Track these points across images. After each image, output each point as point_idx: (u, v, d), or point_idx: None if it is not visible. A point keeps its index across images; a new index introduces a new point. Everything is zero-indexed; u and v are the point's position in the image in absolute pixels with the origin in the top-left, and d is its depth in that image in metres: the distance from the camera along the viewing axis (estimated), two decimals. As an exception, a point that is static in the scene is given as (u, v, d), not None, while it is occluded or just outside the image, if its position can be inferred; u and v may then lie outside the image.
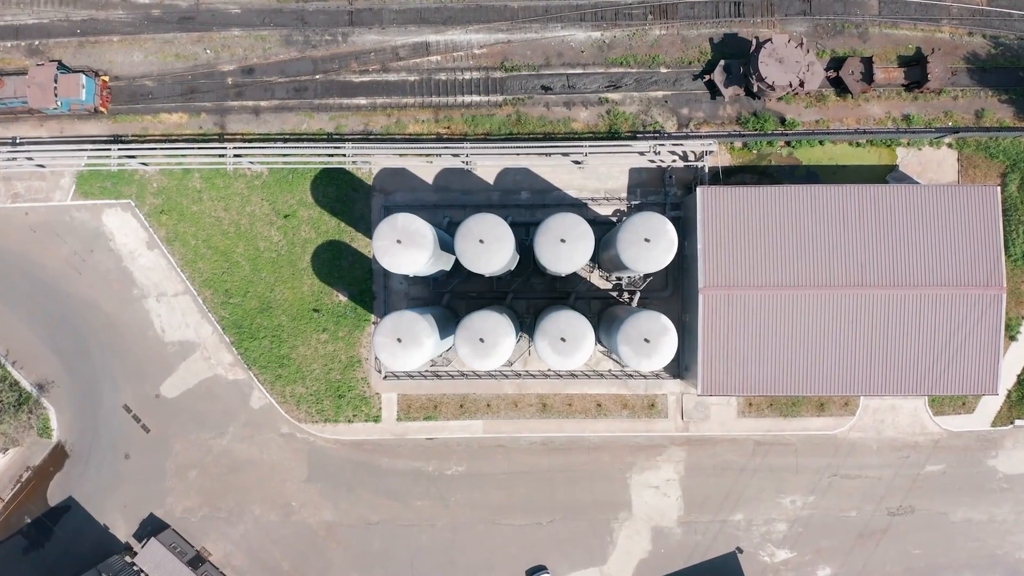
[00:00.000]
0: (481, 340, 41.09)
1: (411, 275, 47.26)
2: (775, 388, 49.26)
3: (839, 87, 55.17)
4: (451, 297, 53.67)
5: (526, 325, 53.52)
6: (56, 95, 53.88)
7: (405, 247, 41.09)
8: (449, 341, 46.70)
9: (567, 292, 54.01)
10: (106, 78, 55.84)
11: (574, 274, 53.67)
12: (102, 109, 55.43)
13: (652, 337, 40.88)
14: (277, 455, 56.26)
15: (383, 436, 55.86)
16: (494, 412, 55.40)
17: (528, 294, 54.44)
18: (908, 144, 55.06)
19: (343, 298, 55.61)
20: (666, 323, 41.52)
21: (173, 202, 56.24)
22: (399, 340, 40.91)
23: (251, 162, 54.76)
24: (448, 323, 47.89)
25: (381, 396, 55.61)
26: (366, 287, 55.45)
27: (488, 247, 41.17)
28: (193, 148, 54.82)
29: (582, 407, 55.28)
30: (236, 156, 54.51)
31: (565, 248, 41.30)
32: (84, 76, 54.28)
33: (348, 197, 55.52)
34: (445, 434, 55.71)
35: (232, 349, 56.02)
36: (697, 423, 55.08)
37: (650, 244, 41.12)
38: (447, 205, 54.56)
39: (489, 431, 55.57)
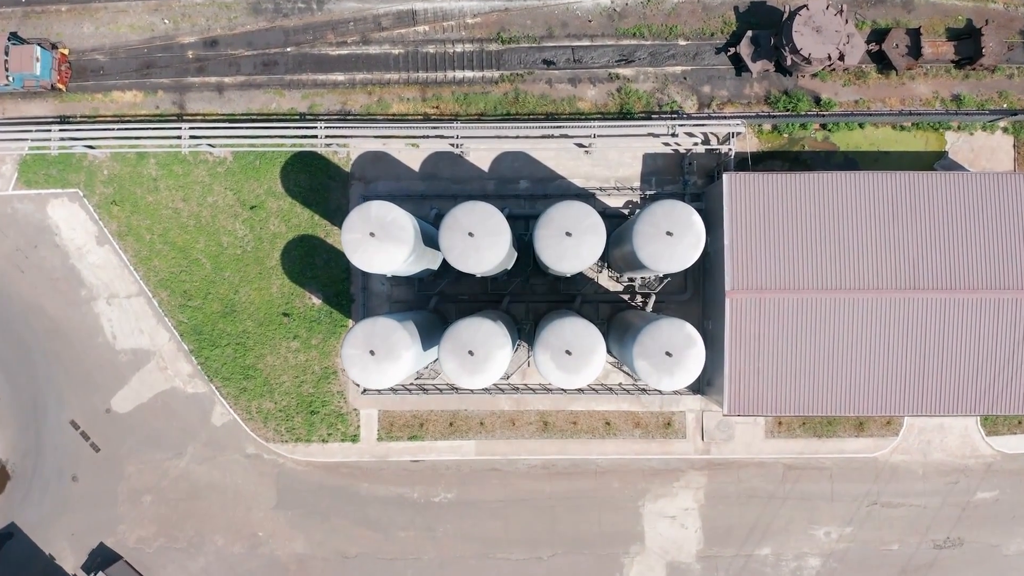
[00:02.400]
0: (470, 353, 34.46)
1: (389, 275, 40.61)
2: (813, 407, 42.66)
3: (881, 63, 48.57)
4: (439, 300, 47.04)
5: (525, 332, 46.89)
6: (7, 70, 47.35)
7: (380, 241, 34.46)
8: (435, 352, 40.11)
9: (572, 295, 47.38)
10: (65, 51, 49.27)
11: (580, 274, 47.03)
12: (60, 86, 48.88)
13: (675, 350, 34.23)
14: (242, 479, 49.67)
15: (362, 458, 49.23)
16: (488, 431, 48.78)
17: (527, 297, 47.84)
18: (958, 128, 48.51)
19: (317, 301, 48.97)
20: (691, 333, 34.87)
21: (126, 192, 49.64)
22: (372, 353, 34.27)
23: (211, 145, 48.11)
24: (435, 330, 41.31)
25: (360, 412, 49.01)
26: (343, 288, 48.81)
27: (479, 242, 34.52)
28: (145, 129, 48.23)
29: (588, 426, 48.68)
30: (193, 138, 47.89)
31: (571, 243, 34.69)
32: (39, 48, 47.70)
33: (323, 186, 48.87)
34: (432, 456, 49.09)
35: (191, 358, 49.45)
36: (719, 444, 48.47)
37: (673, 239, 34.46)
38: (435, 195, 47.95)
39: (482, 453, 48.94)
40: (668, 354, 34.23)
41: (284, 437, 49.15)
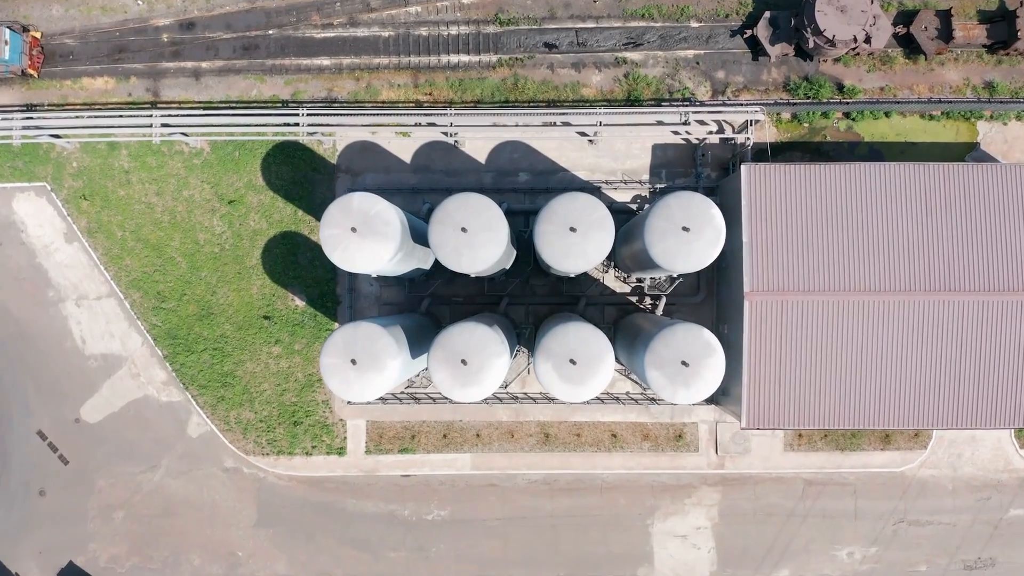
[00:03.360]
0: (463, 362, 30.89)
1: (374, 275, 37.07)
2: (839, 420, 39.11)
3: (908, 47, 45.07)
4: (432, 302, 43.54)
5: (525, 337, 43.38)
6: (-27, 54, 44.05)
7: (363, 237, 30.90)
8: (426, 360, 36.55)
9: (576, 297, 43.84)
10: (37, 34, 45.75)
11: (585, 275, 43.51)
12: (31, 72, 45.39)
13: (692, 359, 30.63)
14: (220, 494, 46.11)
15: (349, 472, 45.69)
16: (485, 444, 45.24)
17: (527, 299, 44.31)
18: (991, 117, 44.99)
19: (300, 303, 45.42)
20: (710, 340, 31.27)
21: (96, 185, 46.11)
22: (353, 362, 30.69)
23: (184, 134, 44.59)
24: (427, 336, 37.80)
25: (346, 423, 45.45)
26: (328, 289, 45.28)
27: (473, 238, 30.95)
28: (113, 116, 44.69)
29: (593, 438, 45.15)
30: (165, 126, 44.37)
31: (576, 240, 31.10)
32: (8, 31, 44.20)
33: (307, 179, 45.34)
34: (425, 470, 45.55)
35: (165, 364, 45.91)
36: (735, 458, 44.93)
37: (690, 235, 30.87)
38: (428, 189, 44.43)
39: (479, 467, 45.42)
40: (684, 363, 30.64)
41: (265, 449, 45.62)
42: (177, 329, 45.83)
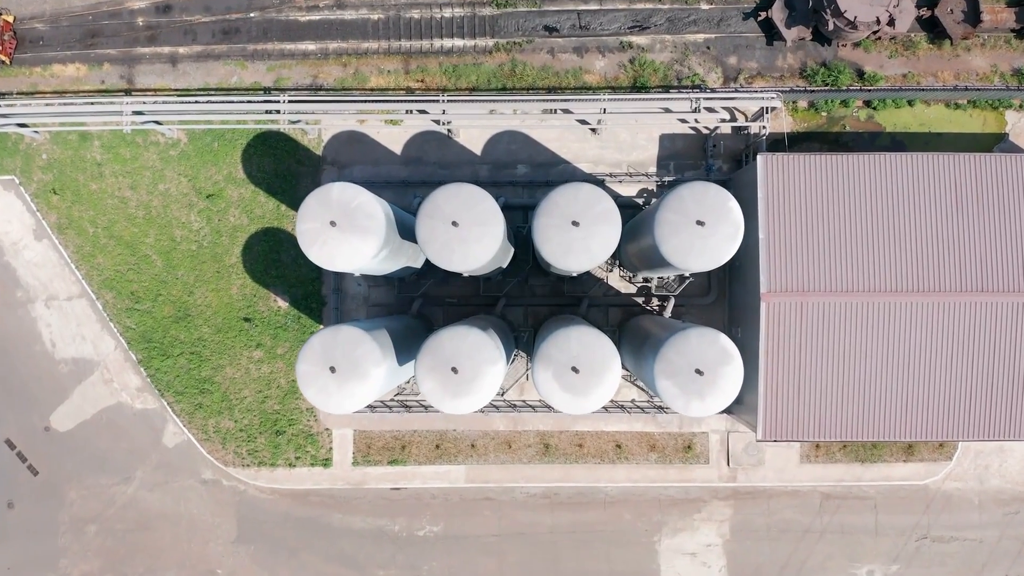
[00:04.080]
0: (453, 370, 27.98)
1: (358, 274, 34.12)
2: (863, 431, 36.19)
3: (933, 31, 42.18)
4: (424, 303, 40.66)
5: (523, 341, 40.49)
6: (-62, 40, 41.40)
7: (343, 232, 27.98)
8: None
9: (577, 297, 40.97)
10: (10, 18, 42.94)
11: (587, 274, 40.64)
12: (3, 58, 42.59)
13: (707, 367, 27.71)
14: (197, 507, 43.24)
15: (335, 485, 42.79)
16: (480, 455, 42.34)
17: (526, 299, 41.44)
18: (1020, 107, 42.10)
19: (283, 304, 42.54)
20: (726, 346, 28.34)
21: (67, 178, 43.24)
22: (332, 370, 27.78)
23: (158, 123, 41.72)
24: (417, 340, 34.80)
25: (332, 433, 42.55)
26: (313, 289, 42.40)
27: (465, 233, 28.05)
28: (82, 104, 41.83)
29: (596, 449, 42.27)
30: (137, 114, 41.50)
31: (579, 235, 28.20)
32: (-22, 14, 41.64)
33: (290, 172, 42.45)
34: (416, 483, 42.66)
35: (139, 370, 43.03)
36: (747, 470, 42.04)
37: (705, 230, 27.93)
38: (420, 183, 41.52)
39: (474, 479, 42.52)
40: (698, 372, 27.72)
41: (245, 460, 42.70)
42: (152, 332, 42.96)
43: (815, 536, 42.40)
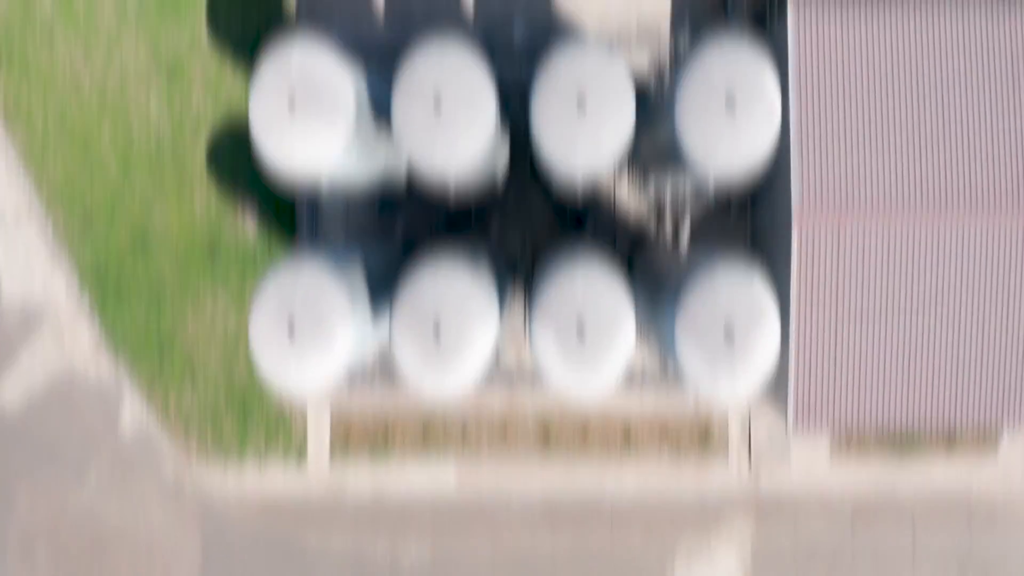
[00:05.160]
0: (435, 334, 23.21)
1: (326, 183, 28.15)
2: (921, 413, 29.37)
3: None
4: (408, 228, 35.03)
5: (521, 271, 34.90)
6: None
7: (303, 118, 22.78)
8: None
9: (579, 215, 35.06)
10: None
11: (592, 184, 34.32)
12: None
13: (740, 325, 22.68)
14: (159, 520, 37.39)
15: (310, 491, 37.24)
16: (471, 444, 37.39)
17: (522, 219, 35.61)
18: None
19: (253, 225, 36.69)
20: (761, 296, 23.05)
21: (14, 46, 36.59)
22: (290, 331, 23.07)
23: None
24: (397, 280, 29.13)
25: (305, 413, 37.75)
26: (287, 205, 36.08)
27: (449, 117, 22.50)
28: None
29: (602, 436, 37.07)
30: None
31: (587, 120, 22.50)
32: None
33: (260, 36, 35.46)
34: (402, 487, 37.50)
35: (93, 319, 36.99)
36: (771, 468, 37.28)
37: (735, 110, 21.92)
38: (405, 44, 33.37)
39: (465, 485, 37.17)
40: (727, 336, 22.88)
41: (209, 451, 37.15)
42: (106, 264, 36.96)
43: (846, 560, 37.15)
